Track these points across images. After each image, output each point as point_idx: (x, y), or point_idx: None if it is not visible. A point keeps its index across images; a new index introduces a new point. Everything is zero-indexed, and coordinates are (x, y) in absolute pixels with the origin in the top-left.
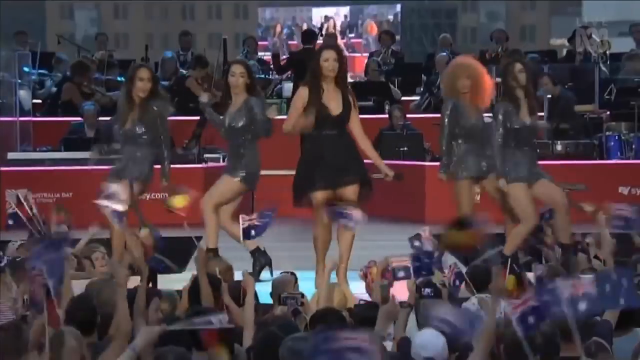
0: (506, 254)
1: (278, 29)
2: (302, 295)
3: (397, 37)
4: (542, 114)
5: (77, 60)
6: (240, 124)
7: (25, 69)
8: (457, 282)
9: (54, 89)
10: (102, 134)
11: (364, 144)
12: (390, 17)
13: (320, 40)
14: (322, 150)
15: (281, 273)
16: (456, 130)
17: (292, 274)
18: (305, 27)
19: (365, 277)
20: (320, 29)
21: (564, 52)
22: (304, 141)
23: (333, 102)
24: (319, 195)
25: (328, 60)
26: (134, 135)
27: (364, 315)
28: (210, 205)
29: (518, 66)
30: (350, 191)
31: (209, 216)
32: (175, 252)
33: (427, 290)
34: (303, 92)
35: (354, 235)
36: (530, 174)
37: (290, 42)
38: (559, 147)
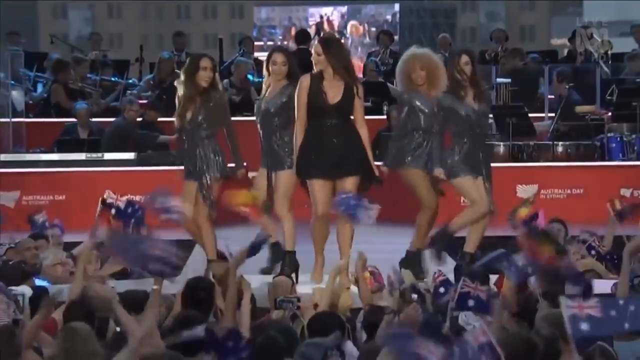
0: (470, 252)
1: (293, 32)
2: (299, 299)
3: (396, 37)
4: (542, 114)
5: (55, 59)
6: (274, 108)
7: (21, 69)
8: (443, 290)
9: (45, 95)
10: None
11: (361, 134)
12: (389, 17)
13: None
14: (322, 138)
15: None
16: (414, 123)
17: (289, 277)
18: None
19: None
20: (318, 30)
21: (565, 52)
22: (306, 129)
23: (332, 91)
24: (316, 185)
25: (313, 54)
26: (198, 129)
27: (372, 320)
28: (286, 207)
29: (464, 58)
30: (349, 182)
31: (287, 218)
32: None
33: (413, 296)
34: (304, 82)
35: (354, 230)
36: (473, 168)
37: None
38: (560, 149)
